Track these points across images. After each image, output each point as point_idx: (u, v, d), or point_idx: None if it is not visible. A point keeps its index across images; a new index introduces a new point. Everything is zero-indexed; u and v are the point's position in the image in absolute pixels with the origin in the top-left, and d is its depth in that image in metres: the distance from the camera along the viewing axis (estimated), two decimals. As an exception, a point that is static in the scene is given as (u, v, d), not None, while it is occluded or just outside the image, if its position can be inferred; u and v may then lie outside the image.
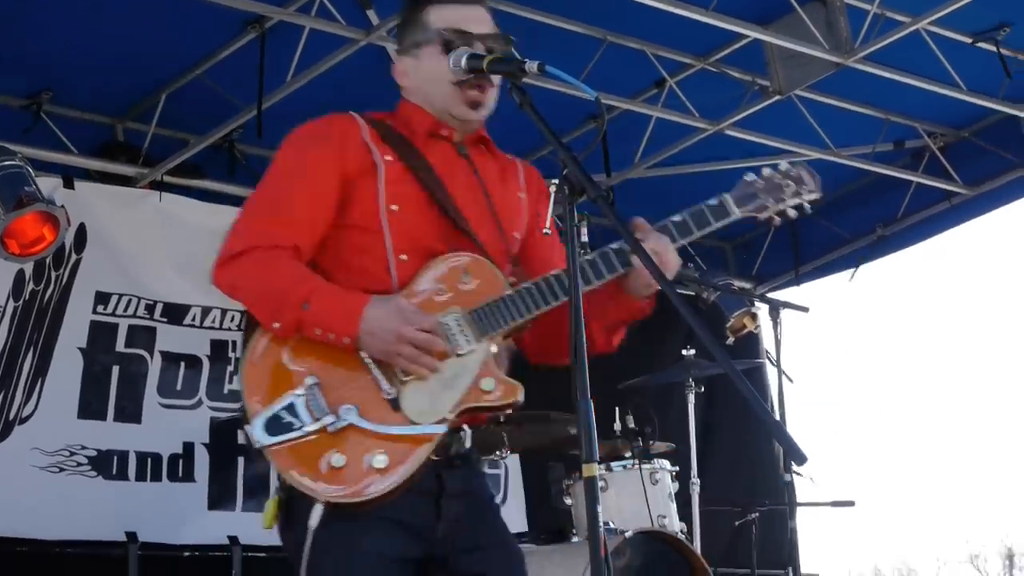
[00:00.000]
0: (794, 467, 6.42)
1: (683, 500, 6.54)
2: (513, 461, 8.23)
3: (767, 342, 9.01)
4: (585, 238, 6.12)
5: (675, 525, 6.23)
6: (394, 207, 3.18)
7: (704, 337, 2.81)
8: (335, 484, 3.03)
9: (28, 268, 7.08)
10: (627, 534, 5.83)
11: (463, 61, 3.19)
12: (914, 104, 8.69)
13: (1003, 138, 9.09)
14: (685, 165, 8.71)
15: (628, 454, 6.27)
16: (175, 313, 7.57)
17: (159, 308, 7.53)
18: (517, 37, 7.48)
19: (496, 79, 3.28)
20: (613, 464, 6.21)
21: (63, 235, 6.65)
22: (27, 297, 7.15)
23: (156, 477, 7.37)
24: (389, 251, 3.17)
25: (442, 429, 3.09)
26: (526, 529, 7.94)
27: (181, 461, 7.46)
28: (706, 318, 8.00)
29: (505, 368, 3.21)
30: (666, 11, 6.94)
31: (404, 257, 3.17)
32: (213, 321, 7.65)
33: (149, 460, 7.37)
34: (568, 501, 6.23)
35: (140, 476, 7.33)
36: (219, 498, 7.52)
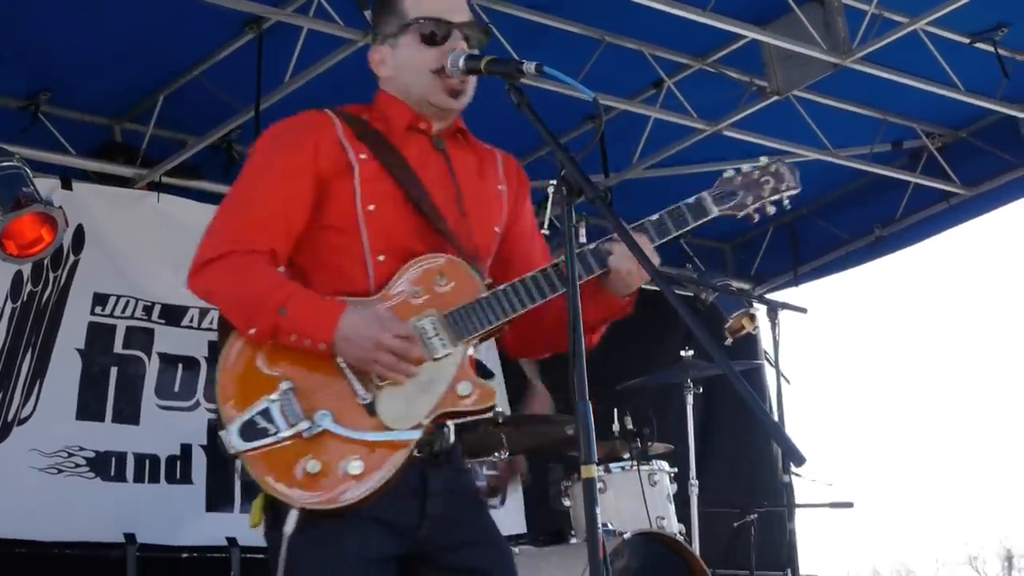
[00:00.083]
0: (793, 469, 6.42)
1: (682, 501, 6.54)
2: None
3: (765, 343, 9.00)
4: (583, 238, 6.11)
5: (674, 526, 6.22)
6: (370, 207, 3.16)
7: (702, 338, 2.81)
8: (310, 491, 3.02)
9: (26, 269, 7.07)
10: (626, 535, 5.83)
11: (460, 62, 3.17)
12: (912, 104, 8.69)
13: (1001, 138, 9.09)
14: (683, 166, 8.70)
15: (626, 455, 6.26)
16: (173, 315, 7.56)
17: (157, 309, 7.53)
18: (515, 37, 7.50)
19: None
20: (612, 465, 6.20)
21: (61, 236, 6.64)
22: (25, 298, 7.15)
23: (154, 479, 7.37)
24: (366, 251, 3.15)
25: (417, 435, 3.08)
26: (525, 531, 7.93)
27: (179, 463, 7.46)
28: (704, 319, 7.99)
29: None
30: (664, 11, 6.94)
31: (381, 258, 3.16)
32: (211, 323, 7.64)
33: (147, 462, 7.37)
34: (567, 502, 6.23)
35: (138, 478, 7.32)
36: (217, 500, 7.51)
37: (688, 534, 6.48)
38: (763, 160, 3.41)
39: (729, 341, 8.50)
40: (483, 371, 6.81)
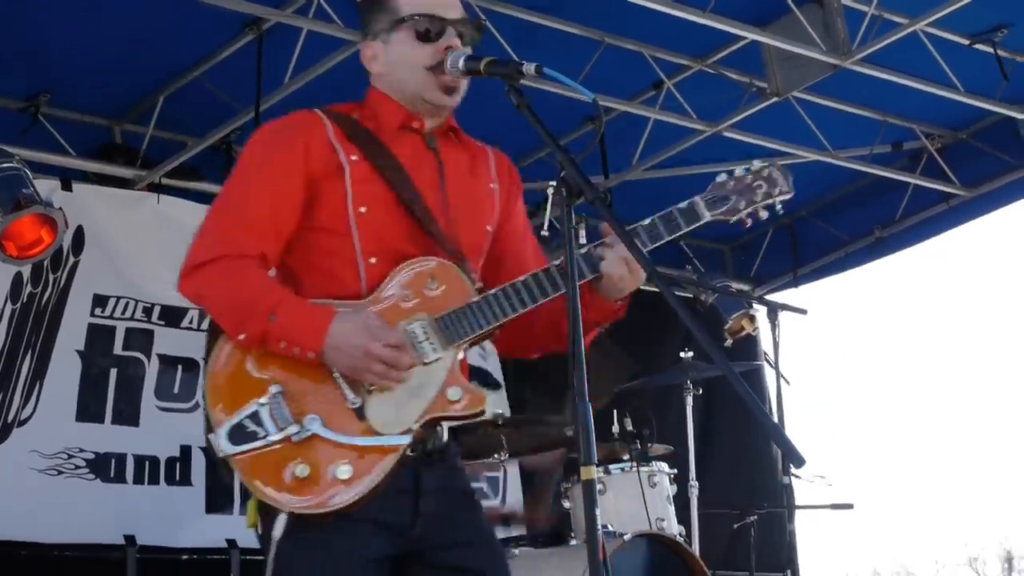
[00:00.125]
0: (793, 470, 6.42)
1: (681, 503, 6.53)
2: (512, 464, 8.22)
3: (765, 344, 9.00)
4: (583, 240, 6.10)
5: (674, 528, 6.21)
6: (362, 209, 3.14)
7: (702, 339, 2.81)
8: (299, 495, 3.01)
9: (26, 270, 7.07)
10: (626, 537, 5.82)
11: (460, 63, 3.16)
12: (912, 105, 8.69)
13: (1001, 140, 9.09)
14: (683, 167, 8.70)
15: (626, 456, 6.26)
16: (172, 316, 7.56)
17: (156, 311, 7.53)
18: (514, 38, 7.49)
19: None
20: (611, 467, 6.19)
21: (61, 237, 6.64)
22: (25, 299, 7.15)
23: (154, 480, 7.37)
24: (358, 254, 3.14)
25: (407, 440, 3.06)
26: (524, 532, 7.92)
27: (178, 464, 7.45)
28: (704, 320, 7.99)
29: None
30: (663, 12, 6.93)
31: (373, 260, 3.14)
32: (211, 324, 7.64)
33: (147, 463, 7.36)
34: (566, 504, 6.22)
35: (138, 479, 7.32)
36: (217, 501, 7.51)
37: (688, 535, 6.48)
38: (756, 164, 3.38)
39: (729, 342, 8.50)
40: (490, 381, 6.81)
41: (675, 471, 6.42)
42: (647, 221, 3.22)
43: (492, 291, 3.15)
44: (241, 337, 3.06)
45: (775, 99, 7.93)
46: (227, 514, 7.50)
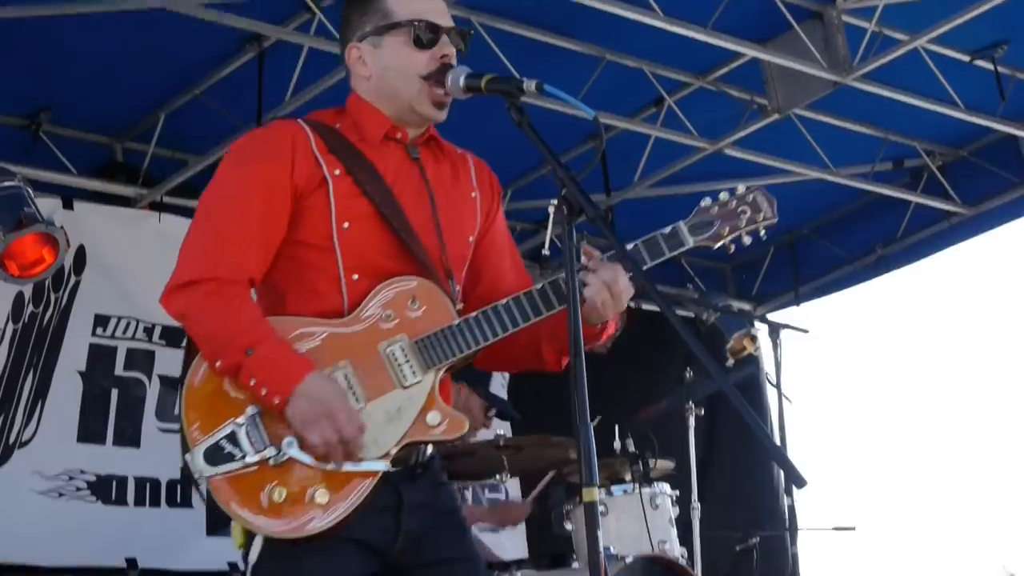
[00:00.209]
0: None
1: (684, 524, 6.50)
2: (513, 485, 8.19)
3: (767, 364, 8.98)
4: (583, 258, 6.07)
5: (676, 550, 6.17)
6: (346, 225, 3.10)
7: (704, 359, 2.78)
8: (276, 519, 2.98)
9: (27, 290, 7.06)
10: (628, 559, 5.79)
11: (461, 81, 3.13)
12: (913, 123, 8.68)
13: (1002, 157, 9.09)
14: (684, 184, 8.69)
15: (628, 477, 6.23)
16: (174, 336, 7.53)
17: (157, 331, 7.52)
18: (515, 56, 7.49)
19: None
20: (613, 488, 6.15)
21: (63, 257, 6.61)
22: (26, 319, 7.13)
23: (155, 502, 7.35)
24: (341, 270, 3.10)
25: (384, 465, 3.02)
26: (526, 555, 7.89)
27: (179, 486, 7.42)
28: (705, 340, 7.97)
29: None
30: (664, 30, 6.93)
31: (356, 277, 3.10)
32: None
33: (148, 485, 7.34)
34: (568, 526, 6.18)
35: (139, 501, 7.30)
36: (218, 524, 7.43)
37: (690, 557, 6.44)
38: (740, 188, 3.36)
39: (731, 362, 8.48)
40: (506, 412, 6.76)
41: (677, 492, 6.39)
42: (630, 246, 3.19)
43: (474, 314, 3.11)
44: (217, 365, 3.03)
45: (776, 116, 7.92)
46: (228, 536, 7.44)
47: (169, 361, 7.53)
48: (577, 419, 2.76)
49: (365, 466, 3.01)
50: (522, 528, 8.16)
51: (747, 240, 3.35)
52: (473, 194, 3.33)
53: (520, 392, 8.11)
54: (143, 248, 7.49)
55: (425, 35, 3.19)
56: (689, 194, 8.66)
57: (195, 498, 7.44)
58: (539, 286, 3.14)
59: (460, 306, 3.16)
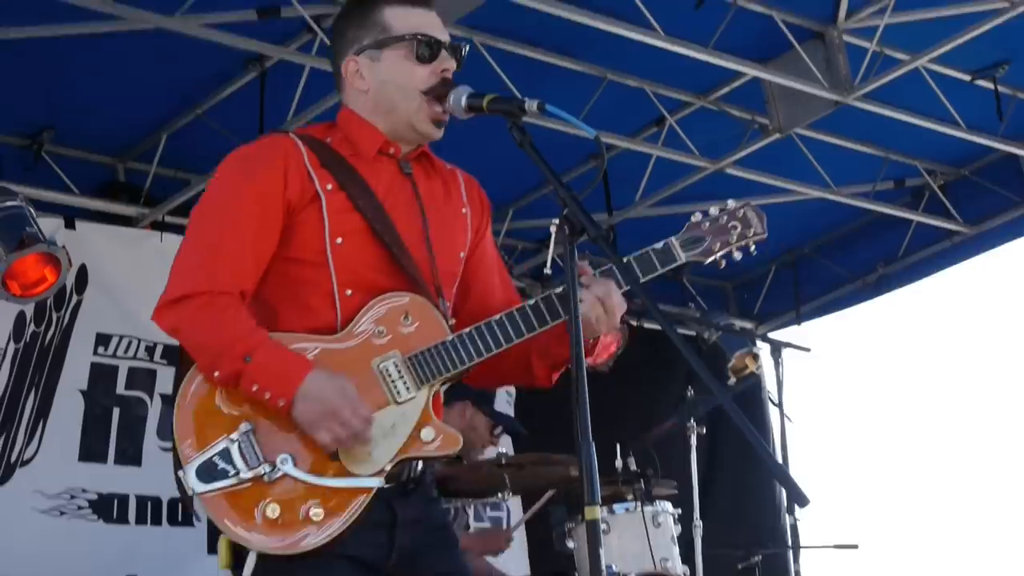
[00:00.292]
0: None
1: (686, 543, 6.49)
2: (515, 503, 8.18)
3: (769, 382, 8.97)
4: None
5: (678, 568, 6.16)
6: (339, 240, 3.09)
7: (706, 377, 2.79)
8: (270, 535, 2.96)
9: (29, 309, 7.06)
10: (630, 577, 5.78)
11: (463, 100, 3.14)
12: (914, 142, 8.69)
13: (1003, 176, 9.10)
14: (686, 204, 8.69)
15: (630, 496, 6.22)
16: (175, 355, 7.47)
17: (159, 350, 7.52)
18: (517, 75, 7.50)
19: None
20: (615, 506, 6.15)
21: (64, 276, 6.62)
22: (28, 339, 7.14)
23: (156, 521, 7.33)
24: (334, 286, 3.09)
25: (379, 482, 3.01)
26: (528, 573, 7.89)
27: (180, 505, 7.42)
28: (707, 358, 7.97)
29: None
30: (665, 49, 6.95)
31: (349, 292, 3.09)
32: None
33: (149, 504, 7.33)
34: (570, 544, 6.17)
35: (140, 520, 7.29)
36: (219, 543, 7.46)
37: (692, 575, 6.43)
38: (731, 203, 3.39)
39: (732, 380, 8.48)
40: (513, 428, 6.76)
41: (679, 510, 6.38)
42: (623, 261, 3.19)
43: (467, 330, 3.12)
44: (216, 375, 3.00)
45: (777, 136, 7.94)
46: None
47: (171, 380, 7.52)
48: (579, 437, 2.76)
49: (360, 482, 3.00)
50: (524, 547, 8.15)
51: (737, 255, 3.37)
52: (464, 210, 3.33)
53: (529, 410, 8.11)
54: (145, 267, 7.49)
55: (426, 50, 3.19)
56: (690, 213, 8.65)
57: (196, 516, 7.43)
58: (532, 301, 3.14)
59: (452, 322, 3.16)
